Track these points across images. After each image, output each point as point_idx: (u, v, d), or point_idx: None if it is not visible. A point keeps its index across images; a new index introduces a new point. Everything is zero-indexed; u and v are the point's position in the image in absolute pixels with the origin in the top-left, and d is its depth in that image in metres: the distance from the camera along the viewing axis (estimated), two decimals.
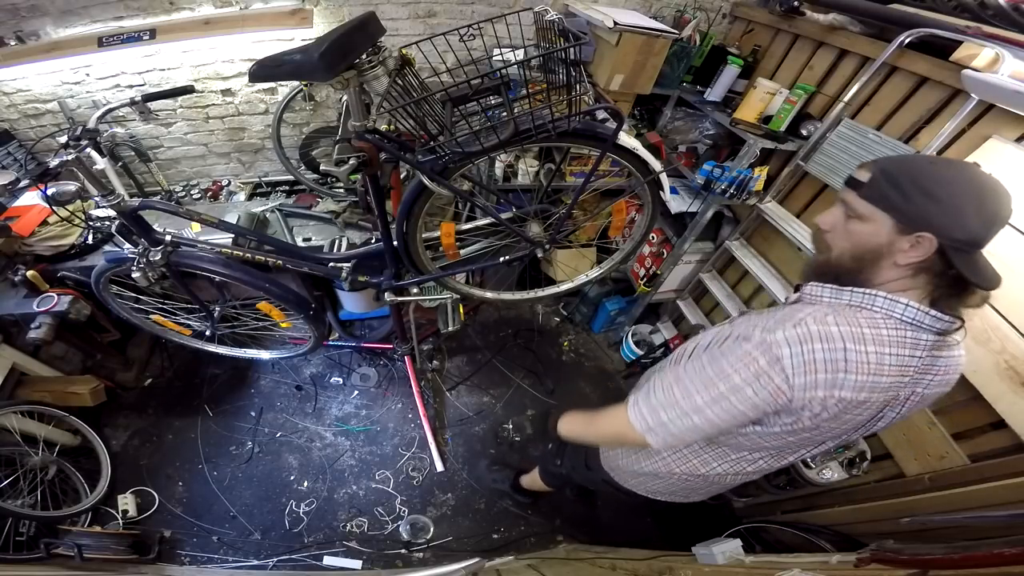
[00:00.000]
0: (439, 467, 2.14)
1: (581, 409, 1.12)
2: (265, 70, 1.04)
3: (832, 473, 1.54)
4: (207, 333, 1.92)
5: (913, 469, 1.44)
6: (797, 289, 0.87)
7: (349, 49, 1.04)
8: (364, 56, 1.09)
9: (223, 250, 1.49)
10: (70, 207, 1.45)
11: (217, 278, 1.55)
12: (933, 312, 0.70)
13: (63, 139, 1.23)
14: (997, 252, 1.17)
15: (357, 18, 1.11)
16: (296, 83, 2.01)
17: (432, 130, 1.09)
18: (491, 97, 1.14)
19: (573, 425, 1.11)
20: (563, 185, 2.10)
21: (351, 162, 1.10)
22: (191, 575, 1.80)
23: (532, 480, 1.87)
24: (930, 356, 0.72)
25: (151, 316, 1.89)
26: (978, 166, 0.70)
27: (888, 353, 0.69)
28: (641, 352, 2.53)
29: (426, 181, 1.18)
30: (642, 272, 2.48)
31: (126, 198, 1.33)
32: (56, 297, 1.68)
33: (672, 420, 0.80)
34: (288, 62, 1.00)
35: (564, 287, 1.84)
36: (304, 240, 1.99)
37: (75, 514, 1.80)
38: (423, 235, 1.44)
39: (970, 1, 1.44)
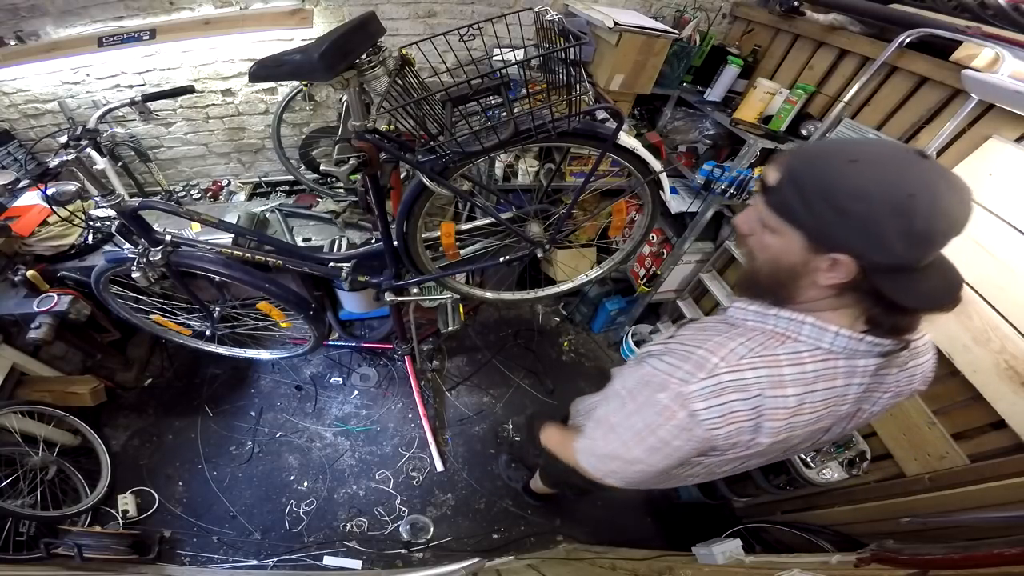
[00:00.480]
0: (439, 467, 2.14)
1: (560, 426, 1.18)
2: (265, 70, 1.04)
3: (832, 473, 1.54)
4: (207, 333, 1.92)
5: (913, 469, 1.44)
6: None
7: (349, 49, 1.04)
8: (364, 56, 1.09)
9: (223, 250, 1.49)
10: (70, 207, 1.45)
11: (217, 278, 1.54)
12: (868, 339, 0.63)
13: (63, 139, 1.23)
14: (997, 252, 1.19)
15: (357, 18, 1.11)
16: (296, 83, 2.01)
17: (432, 130, 1.09)
18: (491, 97, 1.13)
19: (552, 440, 1.14)
20: (563, 185, 2.10)
21: (351, 162, 1.10)
22: (191, 575, 1.80)
23: (536, 483, 1.88)
24: (875, 378, 0.68)
25: (151, 316, 1.89)
26: (925, 161, 0.55)
27: (813, 390, 0.65)
28: None
29: (426, 181, 1.18)
30: (642, 272, 2.48)
31: (126, 198, 1.33)
32: (56, 297, 1.68)
33: (621, 469, 0.79)
34: (288, 62, 1.00)
35: (564, 287, 1.84)
36: (304, 240, 1.99)
37: (75, 514, 1.80)
38: (423, 235, 1.44)
39: (970, 1, 1.44)
